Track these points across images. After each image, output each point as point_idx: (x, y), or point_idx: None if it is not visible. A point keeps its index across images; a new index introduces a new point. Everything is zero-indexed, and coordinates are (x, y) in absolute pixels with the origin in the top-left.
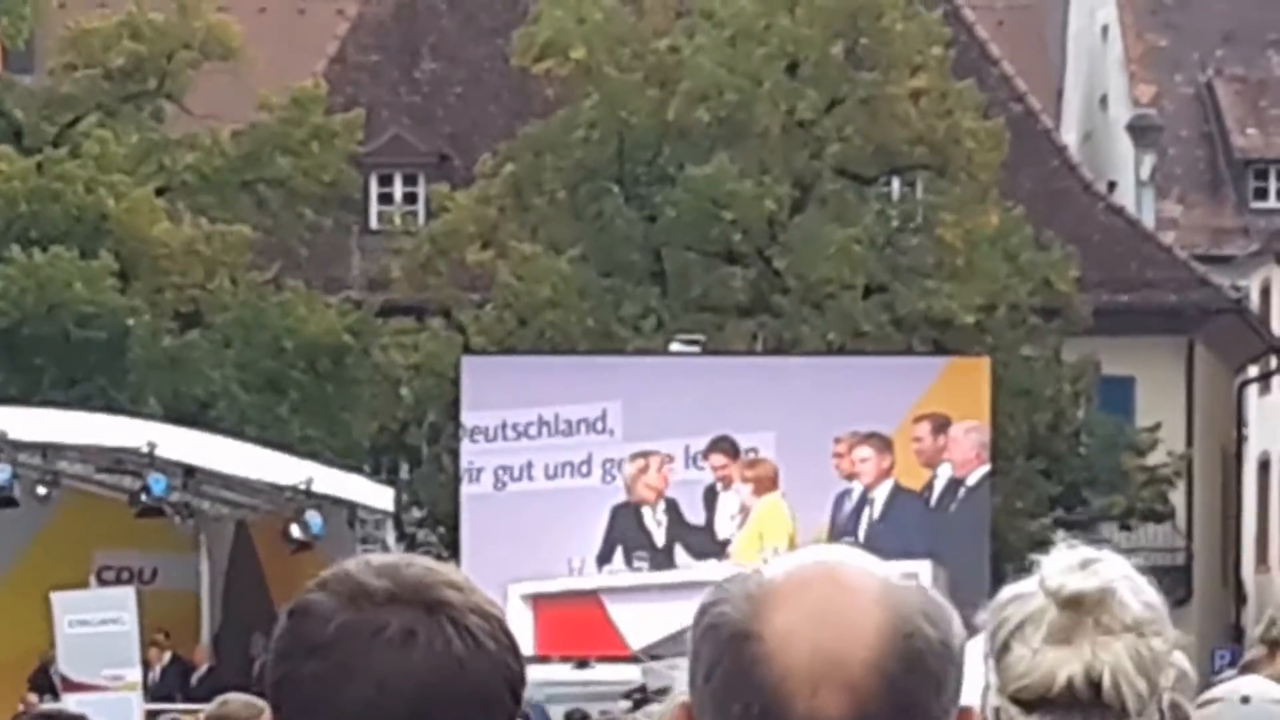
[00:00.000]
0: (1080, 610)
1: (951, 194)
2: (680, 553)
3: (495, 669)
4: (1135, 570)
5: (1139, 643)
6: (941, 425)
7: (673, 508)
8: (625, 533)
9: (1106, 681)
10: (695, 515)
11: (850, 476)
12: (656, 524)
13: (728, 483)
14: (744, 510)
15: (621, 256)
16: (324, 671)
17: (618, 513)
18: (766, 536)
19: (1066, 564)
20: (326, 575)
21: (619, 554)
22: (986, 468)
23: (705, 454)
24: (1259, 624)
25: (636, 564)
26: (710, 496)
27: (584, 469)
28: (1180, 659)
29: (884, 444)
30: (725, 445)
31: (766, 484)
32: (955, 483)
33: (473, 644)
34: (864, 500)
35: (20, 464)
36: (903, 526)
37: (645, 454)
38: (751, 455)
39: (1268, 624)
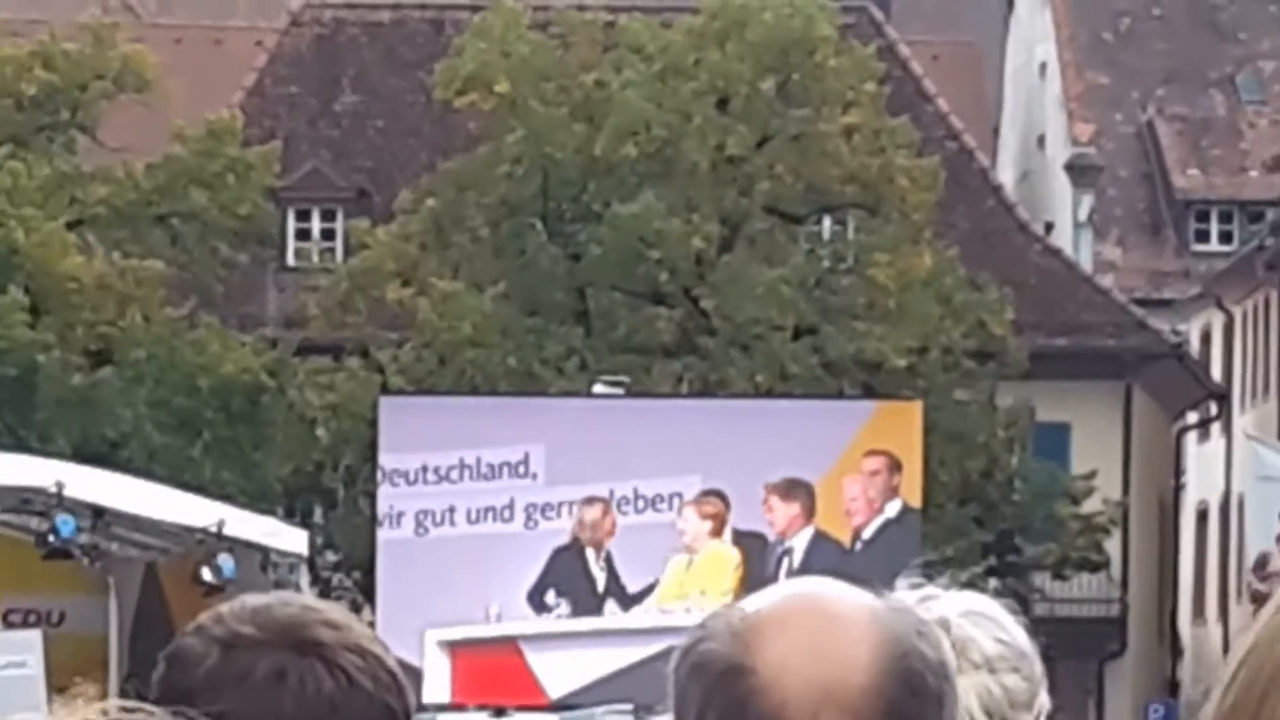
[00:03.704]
0: None
1: (884, 234)
2: (611, 604)
3: (372, 708)
4: (1002, 609)
5: (989, 680)
6: (893, 465)
7: (610, 559)
8: (562, 576)
9: None
10: (631, 567)
11: (773, 524)
12: (600, 570)
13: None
14: (690, 551)
15: (545, 295)
16: (196, 718)
17: (559, 555)
18: (711, 585)
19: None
20: (201, 619)
21: (552, 597)
22: (883, 517)
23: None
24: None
25: (557, 611)
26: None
27: (506, 514)
28: (1044, 698)
29: (805, 491)
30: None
31: (719, 529)
32: (855, 534)
33: (346, 683)
34: (785, 550)
35: None
36: (823, 574)
37: (598, 499)
38: (702, 495)
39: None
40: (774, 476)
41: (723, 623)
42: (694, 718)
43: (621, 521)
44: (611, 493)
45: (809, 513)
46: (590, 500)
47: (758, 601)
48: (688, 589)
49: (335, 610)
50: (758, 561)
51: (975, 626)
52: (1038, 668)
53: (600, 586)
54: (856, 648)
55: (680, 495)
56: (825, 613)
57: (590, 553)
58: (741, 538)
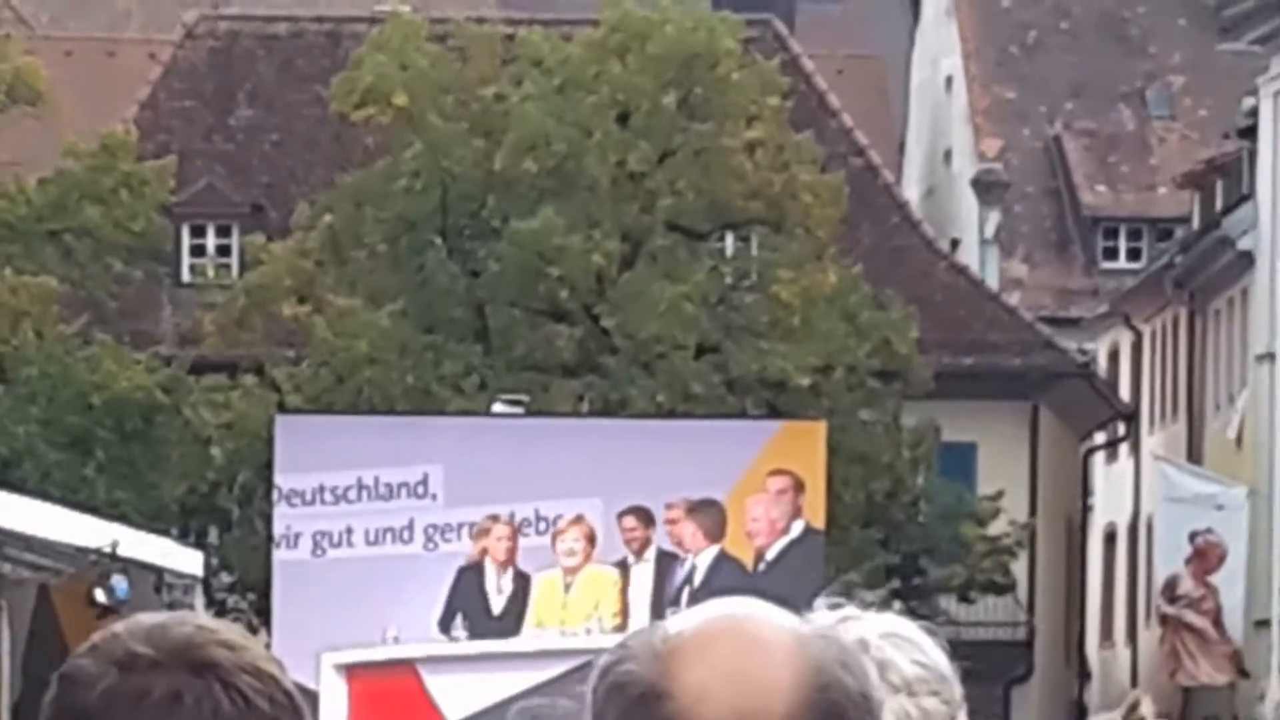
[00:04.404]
0: None
1: (787, 251)
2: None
3: None
4: (922, 631)
5: (908, 703)
6: (797, 485)
7: (520, 578)
8: (467, 599)
9: None
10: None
11: (679, 543)
12: (497, 590)
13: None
14: (568, 572)
15: (443, 312)
16: None
17: (463, 575)
18: (601, 605)
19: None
20: (96, 638)
21: (460, 620)
22: (787, 538)
23: (619, 517)
24: (1120, 706)
25: (454, 633)
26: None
27: (405, 535)
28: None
29: (713, 509)
30: (639, 511)
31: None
32: (758, 555)
33: (243, 704)
34: (691, 568)
35: None
36: (724, 595)
37: (495, 517)
38: (624, 513)
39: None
40: (675, 497)
41: (643, 642)
42: None
43: (523, 543)
44: (513, 514)
45: (713, 532)
46: (494, 518)
47: (681, 622)
48: (575, 613)
49: (231, 630)
50: (667, 581)
51: (894, 648)
52: (957, 691)
53: (496, 609)
54: (778, 674)
55: (582, 516)
56: (748, 637)
57: (489, 572)
58: (663, 557)
